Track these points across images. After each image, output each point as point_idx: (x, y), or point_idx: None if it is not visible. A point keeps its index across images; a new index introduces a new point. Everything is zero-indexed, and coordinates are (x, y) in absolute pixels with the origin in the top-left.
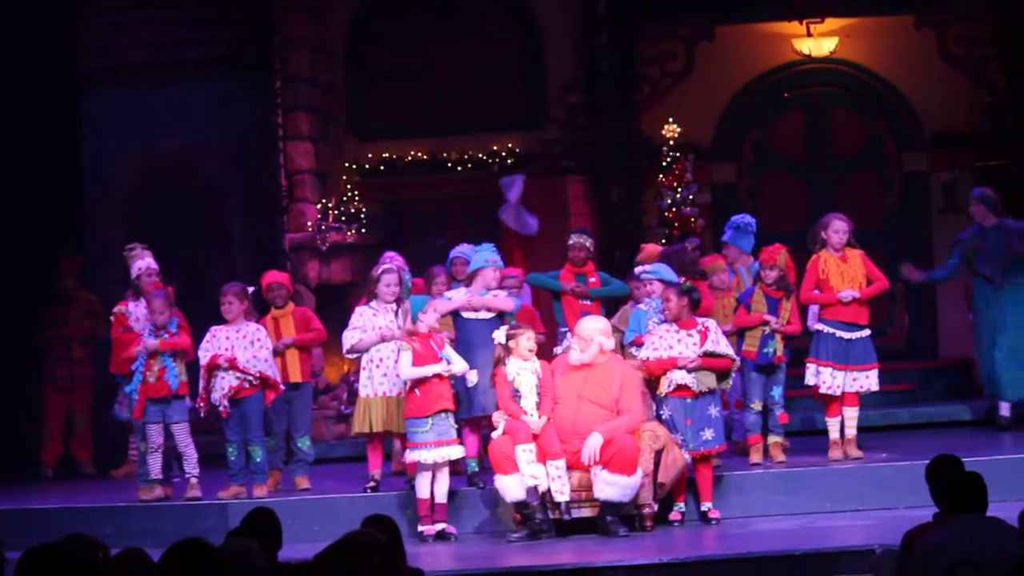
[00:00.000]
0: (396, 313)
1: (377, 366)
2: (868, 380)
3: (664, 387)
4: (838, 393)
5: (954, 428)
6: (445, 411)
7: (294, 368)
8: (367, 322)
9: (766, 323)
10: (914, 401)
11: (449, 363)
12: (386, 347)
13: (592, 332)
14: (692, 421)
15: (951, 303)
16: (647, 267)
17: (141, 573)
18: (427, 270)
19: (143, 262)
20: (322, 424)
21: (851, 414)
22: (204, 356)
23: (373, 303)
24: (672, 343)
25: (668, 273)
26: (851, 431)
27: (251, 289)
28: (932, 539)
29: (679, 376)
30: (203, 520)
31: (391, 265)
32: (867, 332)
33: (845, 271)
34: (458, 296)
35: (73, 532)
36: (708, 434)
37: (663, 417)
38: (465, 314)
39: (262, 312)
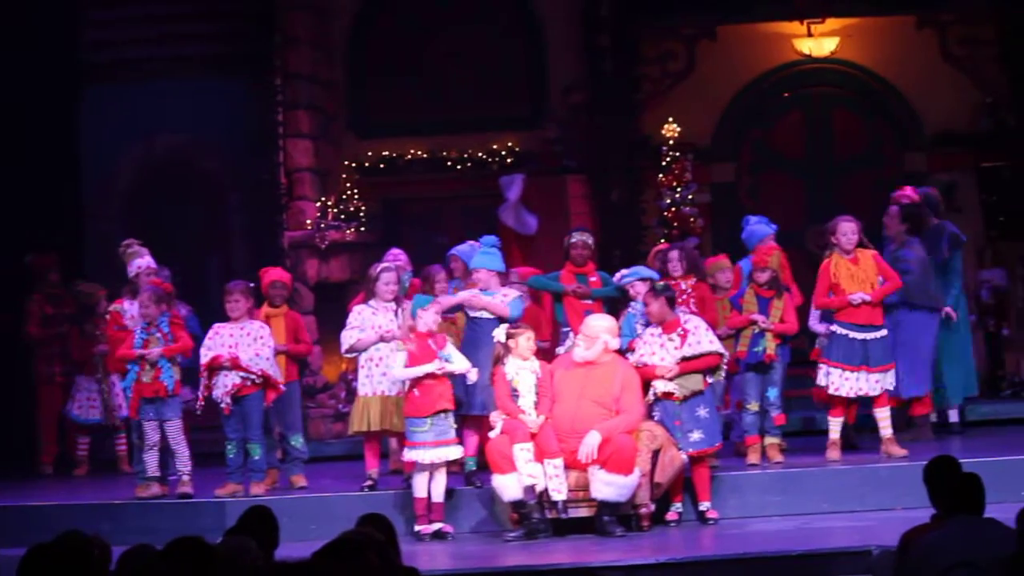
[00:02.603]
0: (396, 312)
1: (376, 365)
2: (886, 380)
3: (649, 396)
4: (848, 395)
5: (951, 428)
6: (445, 411)
7: (279, 369)
8: (366, 321)
9: (755, 322)
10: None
11: (447, 361)
12: (386, 346)
13: (598, 330)
14: (681, 423)
15: None
16: (625, 271)
17: (150, 569)
18: (425, 269)
19: (142, 260)
20: (320, 423)
21: (883, 415)
22: (206, 355)
23: (372, 302)
24: (655, 348)
25: (647, 272)
26: (886, 431)
27: (251, 285)
28: (929, 540)
29: (661, 385)
30: (200, 518)
31: (390, 264)
32: (884, 332)
33: (856, 273)
34: (462, 293)
35: (69, 529)
36: (696, 435)
37: (655, 419)
38: (472, 312)
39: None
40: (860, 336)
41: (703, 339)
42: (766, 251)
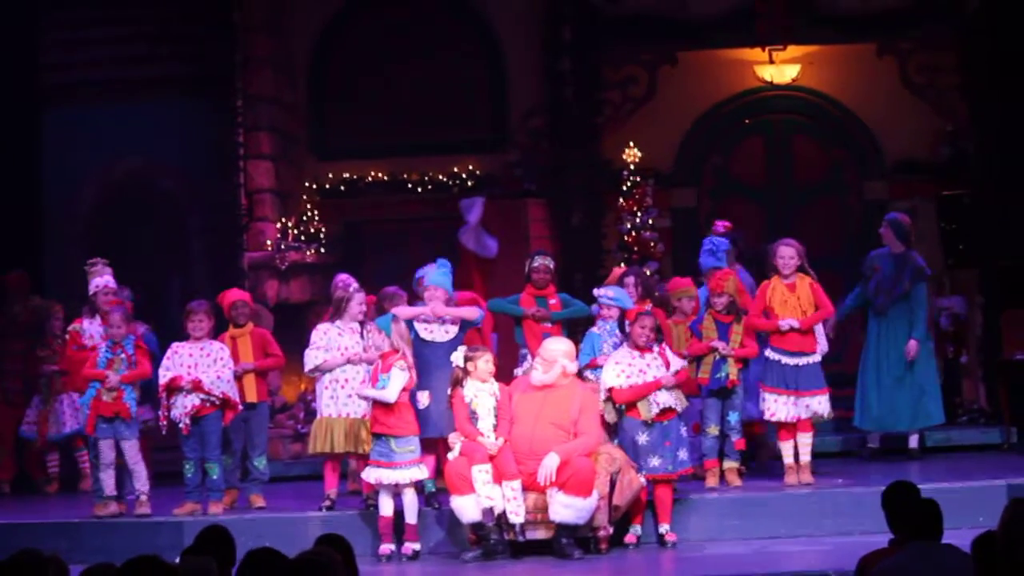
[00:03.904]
0: (361, 334)
1: (342, 387)
2: (820, 406)
3: (651, 411)
4: (785, 419)
5: (910, 454)
6: (384, 435)
7: (250, 389)
8: (332, 341)
9: (715, 349)
10: None
11: (382, 387)
12: (352, 368)
13: (556, 354)
14: (671, 443)
15: None
16: (608, 292)
17: None
18: (382, 291)
19: (101, 280)
20: (278, 443)
21: (804, 440)
22: (164, 375)
23: (339, 323)
24: (643, 367)
25: (628, 301)
26: (805, 457)
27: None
28: (887, 565)
29: (664, 398)
30: (158, 537)
31: (358, 286)
32: (815, 358)
33: (790, 299)
34: (427, 306)
35: (25, 548)
36: (683, 454)
37: (640, 443)
38: (422, 334)
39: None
40: (792, 362)
41: (674, 357)
42: (722, 276)
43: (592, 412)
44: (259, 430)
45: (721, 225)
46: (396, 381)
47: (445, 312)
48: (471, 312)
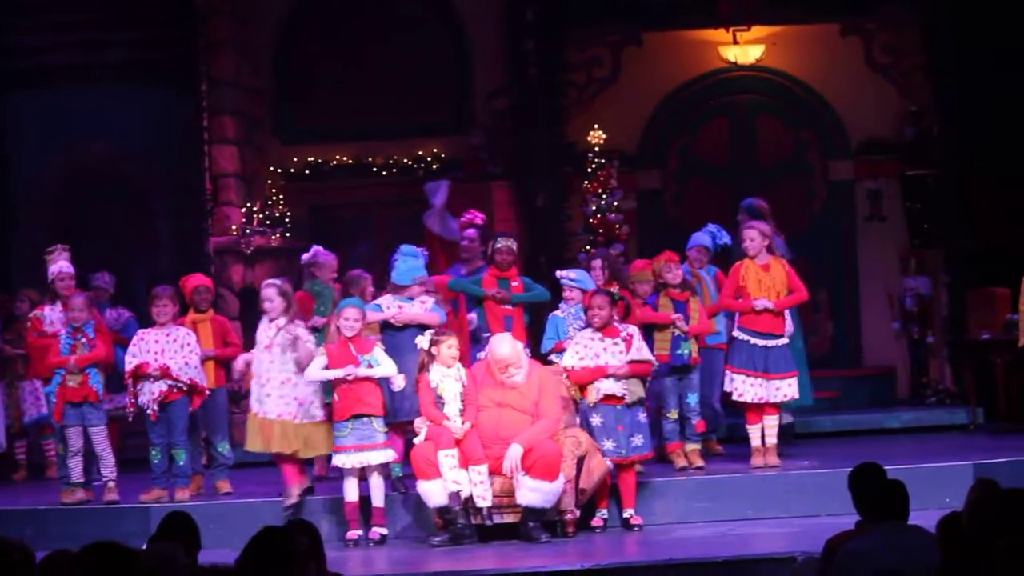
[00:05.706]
0: (280, 330)
1: (262, 385)
2: (791, 389)
3: (593, 396)
4: (752, 401)
5: (877, 436)
6: (367, 416)
7: (208, 375)
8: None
9: (673, 323)
10: (837, 409)
11: (370, 366)
12: (267, 367)
13: (517, 352)
14: (624, 427)
15: (874, 311)
16: (570, 274)
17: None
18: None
19: (56, 266)
20: (245, 428)
21: (771, 423)
22: (130, 362)
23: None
24: (598, 351)
25: (590, 283)
26: (771, 440)
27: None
28: (853, 547)
29: (607, 385)
30: (124, 523)
31: (273, 280)
32: (784, 341)
33: (763, 279)
34: (385, 304)
35: None
36: (638, 440)
37: (593, 424)
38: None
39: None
40: (760, 343)
41: (643, 347)
42: (671, 255)
43: (551, 393)
44: (218, 415)
45: (478, 216)
46: (386, 357)
47: (407, 319)
48: (434, 318)
